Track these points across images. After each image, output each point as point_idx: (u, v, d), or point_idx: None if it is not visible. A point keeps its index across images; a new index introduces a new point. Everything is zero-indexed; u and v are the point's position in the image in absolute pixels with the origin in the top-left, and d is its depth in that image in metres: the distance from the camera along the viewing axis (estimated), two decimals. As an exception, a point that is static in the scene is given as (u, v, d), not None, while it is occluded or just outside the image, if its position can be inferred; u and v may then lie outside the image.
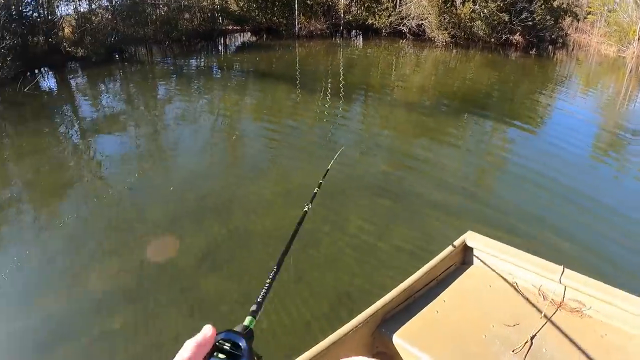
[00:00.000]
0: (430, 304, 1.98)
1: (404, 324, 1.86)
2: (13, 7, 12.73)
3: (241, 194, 4.42)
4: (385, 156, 5.63)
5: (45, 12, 14.61)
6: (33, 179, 5.15)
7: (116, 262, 3.44)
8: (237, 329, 0.70)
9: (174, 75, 11.49)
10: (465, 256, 2.31)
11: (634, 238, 3.92)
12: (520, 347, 1.70)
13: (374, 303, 1.87)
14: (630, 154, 6.94)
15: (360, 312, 1.82)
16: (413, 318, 1.90)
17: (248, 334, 0.70)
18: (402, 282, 2.00)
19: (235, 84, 10.21)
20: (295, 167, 5.09)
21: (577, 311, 1.90)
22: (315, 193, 1.63)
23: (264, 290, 0.90)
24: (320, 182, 1.78)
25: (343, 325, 1.75)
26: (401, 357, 1.80)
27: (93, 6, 16.64)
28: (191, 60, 14.19)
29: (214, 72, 12.21)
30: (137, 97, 9.22)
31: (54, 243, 3.75)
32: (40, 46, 12.95)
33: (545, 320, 1.84)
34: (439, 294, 2.03)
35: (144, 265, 3.37)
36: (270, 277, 0.96)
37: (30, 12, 13.87)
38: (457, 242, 2.25)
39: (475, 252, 2.26)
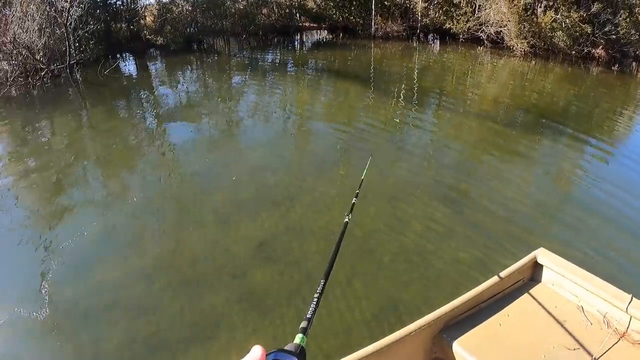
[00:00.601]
0: (494, 316, 1.98)
1: (465, 332, 1.87)
2: None
3: (302, 191, 4.55)
4: (452, 165, 5.63)
5: (129, 0, 15.68)
6: (105, 155, 5.52)
7: (172, 242, 3.61)
8: (289, 347, 0.68)
9: (249, 68, 11.98)
10: (535, 273, 2.29)
11: None
12: None
13: (433, 311, 1.88)
14: None
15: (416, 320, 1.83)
16: (475, 328, 1.90)
17: (301, 353, 0.67)
18: (464, 293, 2.00)
19: (308, 81, 10.50)
20: (359, 170, 5.26)
21: (639, 343, 1.85)
22: (354, 203, 1.65)
23: (312, 306, 0.88)
24: (357, 192, 1.82)
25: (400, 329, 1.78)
26: None
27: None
28: (267, 55, 14.71)
29: (289, 67, 12.60)
30: (211, 87, 9.73)
31: (117, 217, 4.01)
32: (123, 32, 13.90)
33: (606, 349, 1.80)
34: (503, 308, 2.04)
35: (198, 248, 3.51)
36: (318, 291, 0.95)
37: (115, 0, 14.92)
38: (527, 258, 2.24)
39: (544, 269, 2.24)
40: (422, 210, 4.22)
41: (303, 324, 0.81)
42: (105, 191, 4.71)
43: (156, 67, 12.74)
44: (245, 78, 10.79)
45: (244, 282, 3.15)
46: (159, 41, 14.72)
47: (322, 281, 1.00)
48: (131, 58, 13.53)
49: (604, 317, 1.98)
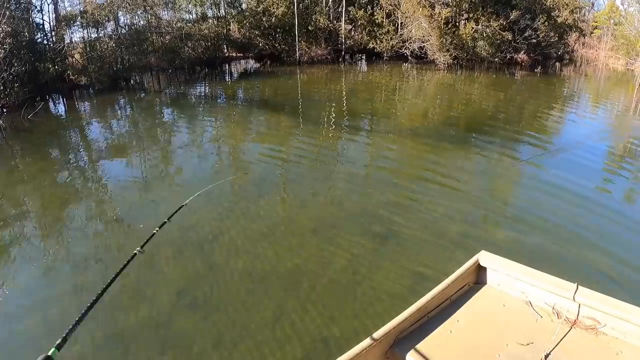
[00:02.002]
0: (444, 323, 1.99)
1: (417, 343, 1.88)
2: (25, 33, 13.12)
3: (228, 229, 4.31)
4: (384, 187, 5.42)
5: (54, 39, 15.03)
6: (35, 201, 5.26)
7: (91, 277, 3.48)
8: None
9: (178, 103, 11.71)
10: (479, 276, 2.33)
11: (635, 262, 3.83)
12: None
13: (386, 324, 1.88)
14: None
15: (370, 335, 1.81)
16: (426, 338, 1.91)
17: None
18: (412, 304, 2.01)
19: (239, 113, 10.29)
20: (290, 201, 4.98)
21: (591, 329, 1.90)
22: (154, 233, 1.62)
23: (67, 329, 0.91)
24: (156, 230, 1.77)
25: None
26: None
27: (98, 34, 17.12)
28: (195, 88, 14.43)
29: (219, 100, 12.38)
30: (141, 125, 9.36)
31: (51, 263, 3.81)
32: (49, 73, 13.22)
33: (560, 339, 1.84)
34: (452, 314, 2.05)
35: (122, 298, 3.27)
36: (73, 323, 0.95)
37: (40, 39, 14.26)
38: (470, 262, 2.27)
39: (488, 271, 2.28)
40: (348, 240, 4.00)
41: (58, 341, 0.85)
42: (35, 236, 4.42)
43: (84, 107, 12.22)
44: (175, 114, 10.45)
45: (169, 332, 2.94)
46: (83, 81, 14.12)
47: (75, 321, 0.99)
48: (58, 99, 12.94)
49: (553, 308, 2.02)
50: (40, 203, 5.29)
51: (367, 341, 1.79)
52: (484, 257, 2.28)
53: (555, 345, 1.81)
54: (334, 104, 10.43)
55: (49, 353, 0.80)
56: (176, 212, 2.15)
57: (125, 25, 17.97)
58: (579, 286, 1.96)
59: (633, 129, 10.58)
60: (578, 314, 1.96)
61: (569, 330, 1.90)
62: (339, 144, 7.26)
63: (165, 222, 1.87)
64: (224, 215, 4.56)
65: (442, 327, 1.97)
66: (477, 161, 6.64)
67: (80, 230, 4.44)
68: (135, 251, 1.40)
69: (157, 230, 1.70)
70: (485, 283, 2.30)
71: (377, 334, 1.82)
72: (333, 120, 8.71)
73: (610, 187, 6.02)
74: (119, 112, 10.98)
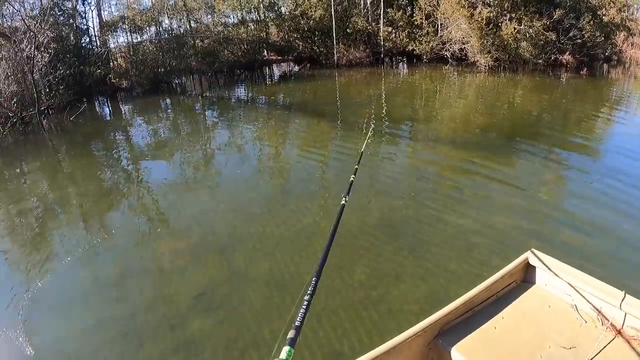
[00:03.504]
0: (489, 319, 2.01)
1: (461, 337, 1.89)
2: (71, 37, 13.85)
3: (254, 233, 4.34)
4: (426, 196, 5.34)
5: (98, 43, 15.78)
6: (79, 200, 5.53)
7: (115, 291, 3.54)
8: None
9: (218, 106, 12.02)
10: (527, 274, 2.32)
11: None
12: None
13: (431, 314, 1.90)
14: None
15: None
16: (470, 332, 1.92)
17: None
18: (459, 297, 2.04)
19: (274, 116, 10.44)
20: (329, 205, 4.97)
21: (635, 339, 1.87)
22: (352, 182, 1.62)
23: (302, 312, 0.79)
24: (356, 168, 1.85)
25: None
26: None
27: (141, 39, 17.83)
28: (235, 91, 14.76)
29: (258, 103, 12.61)
30: (179, 128, 9.68)
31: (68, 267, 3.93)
32: (94, 76, 13.90)
33: (603, 346, 1.82)
34: (497, 311, 2.06)
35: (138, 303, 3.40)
36: (309, 293, 0.85)
37: (85, 43, 15.03)
38: (519, 260, 2.27)
39: (537, 270, 2.28)
40: (370, 251, 3.96)
41: (291, 334, 0.72)
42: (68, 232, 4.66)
43: (126, 109, 12.78)
44: (214, 116, 10.78)
45: (182, 334, 3.02)
46: (124, 84, 14.74)
47: (314, 280, 0.89)
48: (102, 101, 13.60)
49: (598, 314, 2.01)
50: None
51: (411, 330, 1.80)
52: (533, 256, 2.27)
53: (598, 353, 1.79)
54: (373, 109, 10.43)
55: (284, 356, 0.66)
56: (360, 158, 2.30)
57: (165, 30, 18.64)
58: (627, 294, 1.95)
59: None
60: (623, 323, 1.93)
61: (613, 339, 1.88)
62: (376, 152, 7.23)
63: (356, 168, 1.95)
64: (250, 219, 4.63)
65: (486, 323, 1.98)
66: (521, 168, 6.51)
67: (122, 225, 4.72)
68: (342, 201, 1.43)
69: (353, 178, 1.78)
70: (533, 282, 2.29)
71: (421, 324, 1.84)
72: (372, 125, 8.72)
73: None
74: (160, 114, 11.41)
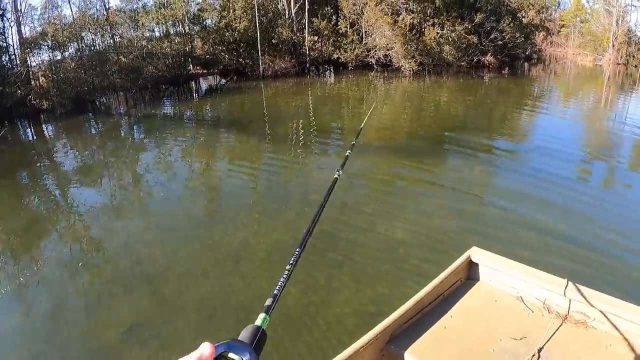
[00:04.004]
0: (438, 319, 2.02)
1: (412, 340, 1.90)
2: None
3: (184, 257, 4.13)
4: (357, 202, 5.24)
5: (18, 62, 14.62)
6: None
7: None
8: (246, 333, 0.62)
9: (144, 124, 11.43)
10: (470, 272, 2.36)
11: (630, 248, 4.00)
12: None
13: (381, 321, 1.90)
14: (617, 161, 7.12)
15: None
16: (421, 334, 1.93)
17: (259, 339, 0.61)
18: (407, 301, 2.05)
19: (202, 132, 10.05)
20: (266, 223, 4.76)
21: (582, 323, 1.95)
22: (347, 157, 1.61)
23: (281, 281, 0.79)
24: (353, 143, 1.78)
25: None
26: None
27: (60, 57, 16.75)
28: (161, 108, 14.18)
29: (182, 118, 12.14)
30: (105, 149, 9.05)
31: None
32: (13, 97, 12.79)
33: (552, 333, 1.89)
34: (446, 310, 2.09)
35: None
36: (291, 262, 0.84)
37: (5, 62, 13.87)
38: (461, 258, 2.30)
39: (480, 267, 2.32)
40: (303, 266, 3.75)
41: (268, 302, 0.72)
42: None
43: (50, 132, 11.88)
44: (141, 135, 10.20)
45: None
46: (45, 105, 13.66)
47: (297, 250, 0.90)
48: (23, 124, 12.53)
49: (544, 303, 2.06)
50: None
51: (363, 339, 1.79)
52: (476, 253, 2.31)
53: (548, 340, 1.85)
54: (301, 119, 10.27)
55: (259, 322, 0.65)
56: (359, 134, 2.16)
57: (87, 46, 17.64)
58: (569, 282, 2.01)
59: (604, 122, 10.67)
60: (569, 309, 2.00)
61: (560, 325, 1.94)
62: (306, 163, 7.09)
63: (353, 144, 1.87)
64: (180, 242, 4.39)
65: (436, 323, 2.00)
66: (452, 169, 6.60)
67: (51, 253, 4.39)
68: (336, 175, 1.39)
69: (349, 153, 1.72)
70: (477, 279, 2.34)
71: (372, 332, 1.83)
72: (300, 136, 8.55)
73: (589, 178, 6.23)
74: (85, 135, 10.66)
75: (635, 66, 25.01)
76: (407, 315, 2.00)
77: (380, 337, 1.86)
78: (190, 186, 6.32)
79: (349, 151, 1.73)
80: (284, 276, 0.82)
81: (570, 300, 2.00)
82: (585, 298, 1.95)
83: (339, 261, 3.84)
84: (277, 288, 0.78)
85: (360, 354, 1.75)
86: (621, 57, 25.03)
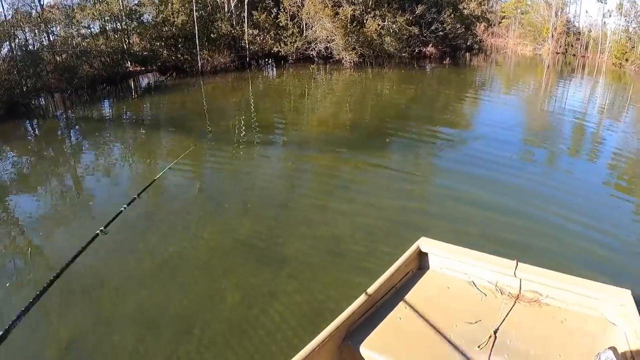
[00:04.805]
0: (392, 311, 2.04)
1: (368, 334, 1.91)
2: None
3: (120, 267, 3.96)
4: (302, 198, 5.22)
5: None
6: None
7: None
8: None
9: (79, 126, 10.94)
10: (421, 261, 2.40)
11: (573, 224, 4.19)
12: (485, 342, 1.77)
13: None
14: (558, 142, 7.48)
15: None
16: (377, 327, 1.95)
17: None
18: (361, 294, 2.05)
19: (141, 132, 9.69)
20: (206, 225, 4.65)
21: (535, 301, 2.01)
22: (121, 212, 1.60)
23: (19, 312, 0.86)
24: (135, 198, 1.77)
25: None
26: None
27: None
28: (96, 109, 13.61)
29: (121, 119, 11.66)
30: (42, 155, 8.53)
31: None
32: None
33: (506, 314, 1.93)
34: (399, 301, 2.10)
35: None
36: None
37: None
38: (411, 249, 2.33)
39: (430, 256, 2.36)
40: (241, 272, 3.73)
41: None
42: None
43: None
44: (79, 138, 9.72)
45: None
46: None
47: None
48: None
49: (496, 285, 2.11)
50: None
51: (319, 337, 1.78)
52: (425, 243, 2.35)
53: (503, 320, 1.89)
54: (242, 116, 10.07)
55: None
56: (147, 187, 2.11)
57: (19, 46, 16.71)
58: (519, 262, 2.07)
59: (545, 107, 11.16)
60: (520, 289, 2.07)
61: (514, 305, 1.99)
62: (246, 160, 6.98)
63: (134, 199, 1.83)
64: (117, 250, 4.22)
65: (391, 315, 2.01)
66: (397, 157, 6.70)
67: None
68: (97, 231, 1.34)
69: (125, 208, 1.65)
70: (429, 268, 2.37)
71: (327, 330, 1.82)
72: (242, 134, 8.40)
73: (531, 158, 6.54)
74: (20, 141, 10.03)
75: (574, 55, 26.35)
76: (361, 309, 1.99)
77: (336, 333, 1.85)
78: (131, 189, 6.02)
79: (125, 206, 1.67)
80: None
81: (521, 280, 2.05)
82: (535, 277, 2.01)
83: (282, 260, 3.80)
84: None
85: (318, 352, 1.74)
86: (560, 47, 26.30)
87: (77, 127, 10.93)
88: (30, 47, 17.09)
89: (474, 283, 2.18)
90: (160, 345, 2.95)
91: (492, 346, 1.77)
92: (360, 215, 4.51)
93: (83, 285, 3.72)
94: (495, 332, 1.83)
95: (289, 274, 3.61)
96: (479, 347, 1.78)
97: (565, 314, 1.93)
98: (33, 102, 14.79)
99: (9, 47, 17.25)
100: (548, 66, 22.89)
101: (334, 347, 1.86)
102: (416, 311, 2.03)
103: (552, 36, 26.14)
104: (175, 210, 5.12)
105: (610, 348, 1.60)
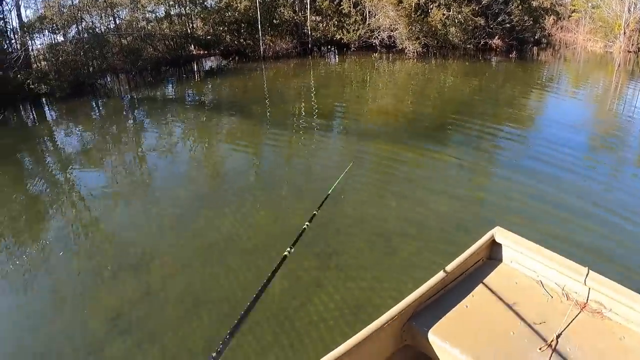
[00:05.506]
0: (460, 298, 2.04)
1: (434, 317, 1.92)
2: None
3: (175, 244, 4.06)
4: (369, 189, 5.12)
5: (18, 47, 14.48)
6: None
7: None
8: None
9: (142, 106, 11.31)
10: (492, 252, 2.37)
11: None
12: (546, 346, 1.76)
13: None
14: (626, 150, 7.06)
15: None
16: (443, 312, 1.96)
17: None
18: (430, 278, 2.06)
19: (203, 114, 9.89)
20: (262, 211, 4.65)
21: (598, 313, 1.96)
22: (301, 234, 1.59)
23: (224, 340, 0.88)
24: (314, 214, 1.80)
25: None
26: (431, 350, 1.85)
27: (65, 39, 16.62)
28: (161, 89, 14.06)
29: (183, 101, 11.95)
30: (107, 132, 8.94)
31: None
32: (12, 82, 12.69)
33: (570, 321, 1.90)
34: (467, 289, 2.10)
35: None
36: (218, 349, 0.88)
37: (6, 46, 13.76)
38: (485, 237, 2.31)
39: (503, 247, 2.33)
40: (294, 260, 3.81)
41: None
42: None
43: (51, 116, 11.80)
44: (142, 117, 10.12)
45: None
46: (43, 89, 13.52)
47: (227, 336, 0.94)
48: (24, 108, 12.44)
49: (563, 289, 2.08)
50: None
51: (386, 315, 1.82)
52: (499, 233, 2.32)
53: (566, 327, 1.86)
54: (302, 102, 10.08)
55: None
56: (324, 200, 2.15)
57: (86, 29, 17.48)
58: (590, 270, 2.01)
59: (614, 106, 10.46)
60: (587, 298, 2.02)
61: (578, 313, 1.96)
62: (304, 147, 6.94)
63: (314, 215, 1.87)
64: (162, 230, 4.32)
65: (457, 301, 2.02)
66: (455, 156, 6.48)
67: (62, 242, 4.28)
68: (285, 252, 1.36)
69: (307, 225, 1.69)
70: (499, 259, 2.34)
71: (396, 308, 1.85)
72: (302, 120, 8.38)
73: (599, 161, 6.23)
74: (86, 118, 10.56)
75: (647, 54, 24.46)
76: (429, 292, 2.01)
77: (405, 312, 1.88)
78: (191, 169, 6.21)
79: (307, 224, 1.66)
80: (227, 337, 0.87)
81: (589, 289, 2.01)
82: (604, 288, 1.96)
83: (331, 252, 3.74)
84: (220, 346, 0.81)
85: (383, 329, 1.79)
86: (632, 45, 24.48)
87: (140, 106, 11.29)
88: (97, 30, 17.87)
89: (541, 283, 2.15)
90: (204, 325, 3.00)
91: (553, 351, 1.75)
92: (421, 205, 4.46)
93: (133, 261, 3.81)
94: (557, 337, 1.81)
95: (337, 266, 3.57)
96: (540, 349, 1.76)
97: (625, 332, 1.88)
98: (99, 82, 15.44)
99: (76, 29, 18.10)
100: (619, 65, 21.38)
101: (399, 325, 1.90)
102: (483, 302, 2.04)
103: (624, 33, 24.36)
104: (229, 192, 5.14)
105: None
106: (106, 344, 2.88)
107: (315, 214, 1.99)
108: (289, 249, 1.44)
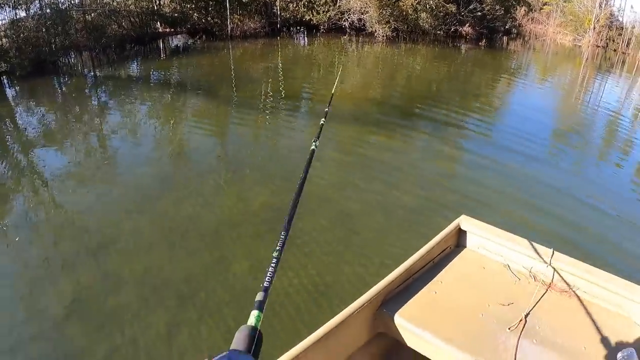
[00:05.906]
0: (428, 284, 2.10)
1: (403, 304, 1.97)
2: None
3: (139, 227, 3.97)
4: (331, 171, 5.05)
5: None
6: None
7: None
8: (240, 336, 0.60)
9: (106, 85, 10.89)
10: (459, 239, 2.44)
11: (610, 220, 4.14)
12: (516, 325, 1.83)
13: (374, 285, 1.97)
14: (590, 139, 7.24)
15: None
16: (412, 298, 2.01)
17: (257, 342, 0.59)
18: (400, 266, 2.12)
19: (168, 94, 9.61)
20: (224, 193, 4.56)
21: (565, 291, 2.06)
22: (322, 125, 1.60)
23: (270, 270, 0.75)
24: (326, 111, 1.79)
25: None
26: (402, 336, 1.90)
27: (22, 15, 15.89)
28: (123, 68, 13.59)
29: (148, 80, 11.61)
30: (69, 112, 8.53)
31: None
32: None
33: (537, 300, 1.99)
34: (435, 276, 2.16)
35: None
36: (277, 249, 0.80)
37: None
38: (451, 226, 2.37)
39: (468, 235, 2.40)
40: (249, 242, 3.73)
41: (259, 297, 0.68)
42: None
43: (10, 95, 11.17)
44: (106, 96, 9.73)
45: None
46: (2, 67, 12.85)
47: (283, 234, 0.83)
48: None
49: (530, 271, 2.16)
50: None
51: (357, 303, 1.85)
52: (465, 221, 2.39)
53: (534, 306, 1.95)
54: (270, 83, 9.92)
55: (252, 322, 0.61)
56: (331, 100, 2.07)
57: (48, 5, 16.77)
58: (554, 252, 2.10)
59: (580, 97, 10.72)
60: (553, 278, 2.11)
61: (545, 292, 2.05)
62: (271, 128, 6.85)
63: (327, 112, 1.84)
64: (123, 212, 4.20)
65: (426, 288, 2.07)
66: (422, 142, 6.50)
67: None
68: (312, 147, 1.38)
69: (323, 121, 1.69)
70: (466, 246, 2.42)
71: (366, 296, 1.89)
72: (269, 101, 8.25)
73: (564, 150, 6.33)
74: (47, 98, 10.09)
75: (614, 50, 25.20)
76: (398, 280, 2.05)
77: (375, 300, 1.92)
78: (154, 150, 6.03)
79: (323, 119, 1.68)
80: (272, 265, 0.76)
81: (555, 269, 2.10)
82: (569, 267, 2.06)
83: (293, 234, 3.67)
84: (266, 280, 0.71)
85: (354, 317, 1.83)
86: (601, 40, 25.15)
87: (103, 85, 10.91)
88: (60, 5, 17.15)
89: (509, 266, 2.23)
90: (166, 305, 2.95)
91: (522, 329, 1.82)
92: (381, 194, 4.40)
93: (91, 244, 3.70)
94: (526, 316, 1.88)
95: (300, 249, 3.51)
96: (509, 328, 1.82)
97: (593, 308, 1.98)
98: (61, 60, 14.85)
99: (38, 5, 17.33)
100: (587, 59, 21.94)
101: (370, 312, 1.94)
102: (451, 287, 2.09)
103: (594, 28, 25.00)
104: (192, 174, 5.02)
105: (633, 347, 1.64)
106: (66, 328, 2.81)
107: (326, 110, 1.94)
108: (314, 142, 1.43)
